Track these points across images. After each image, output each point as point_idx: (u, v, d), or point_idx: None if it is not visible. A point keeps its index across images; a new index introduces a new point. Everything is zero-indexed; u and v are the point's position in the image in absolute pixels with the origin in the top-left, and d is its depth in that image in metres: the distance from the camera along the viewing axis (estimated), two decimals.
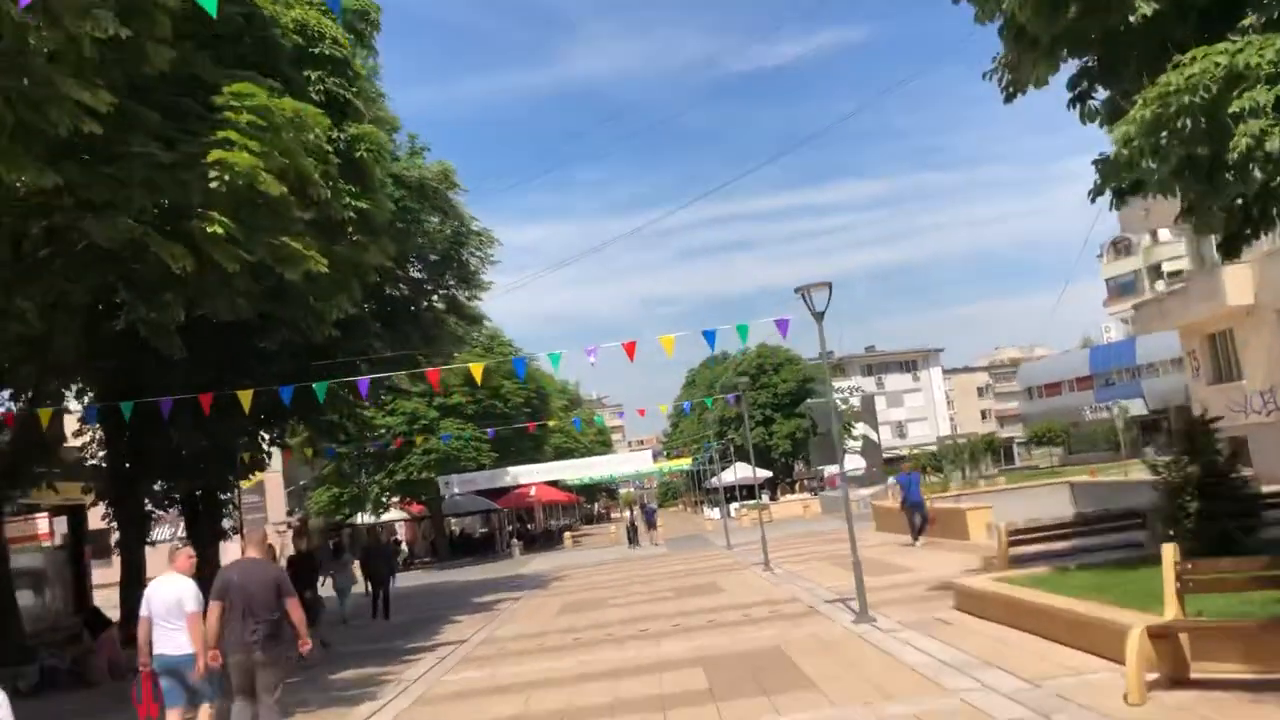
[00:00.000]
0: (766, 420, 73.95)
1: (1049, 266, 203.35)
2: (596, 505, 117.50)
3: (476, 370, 19.38)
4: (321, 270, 13.68)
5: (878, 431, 51.18)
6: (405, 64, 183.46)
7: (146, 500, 25.25)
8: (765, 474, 71.01)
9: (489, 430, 38.35)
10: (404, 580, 38.61)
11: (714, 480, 71.01)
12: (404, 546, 54.41)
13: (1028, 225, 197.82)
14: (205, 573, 26.88)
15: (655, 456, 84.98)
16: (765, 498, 66.60)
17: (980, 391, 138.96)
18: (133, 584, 22.37)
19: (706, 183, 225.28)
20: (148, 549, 23.06)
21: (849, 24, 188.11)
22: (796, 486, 76.37)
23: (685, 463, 65.42)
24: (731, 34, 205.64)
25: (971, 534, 22.70)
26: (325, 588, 22.52)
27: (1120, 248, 76.99)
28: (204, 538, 27.11)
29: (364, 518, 50.13)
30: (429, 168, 22.77)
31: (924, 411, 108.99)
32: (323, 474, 46.57)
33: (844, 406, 57.71)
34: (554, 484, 57.91)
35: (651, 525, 46.76)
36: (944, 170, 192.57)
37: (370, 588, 24.66)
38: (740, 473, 68.29)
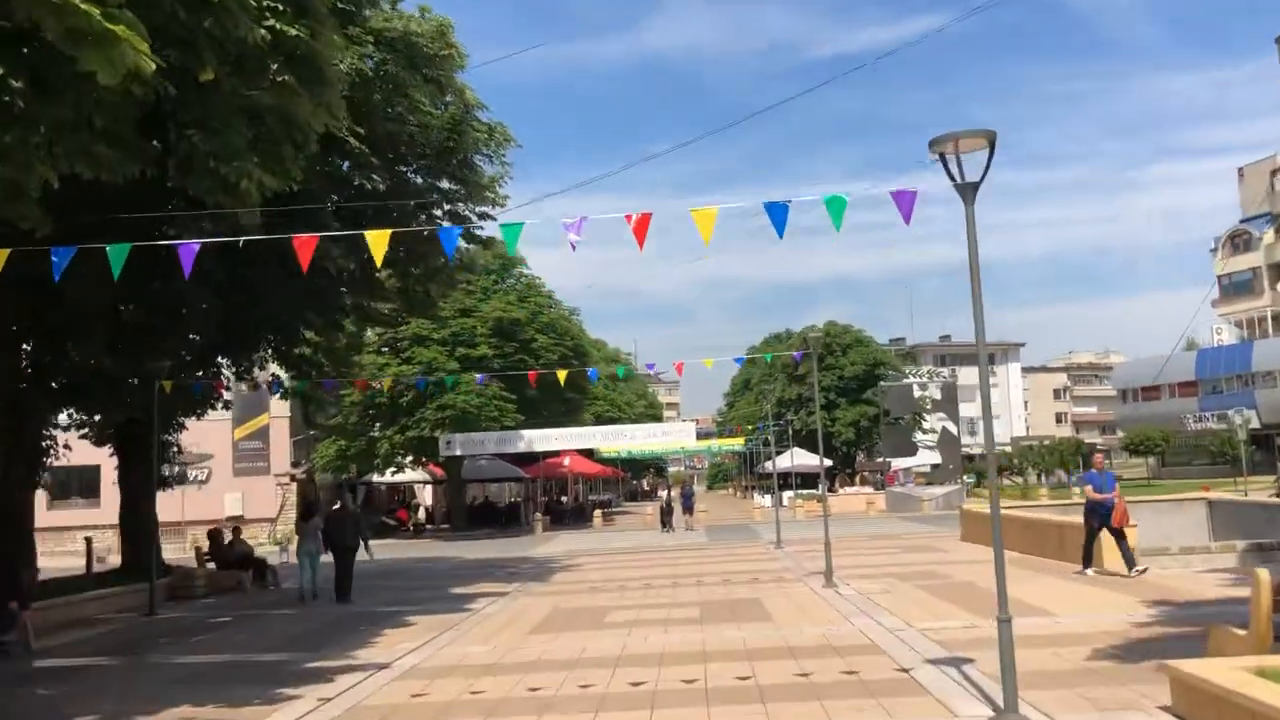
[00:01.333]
0: (829, 405, 67.86)
1: (1120, 273, 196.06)
2: (644, 482, 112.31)
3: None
4: (146, 65, 8.33)
5: (958, 424, 45.08)
6: (477, 26, 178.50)
7: (50, 432, 20.37)
8: (825, 462, 65.10)
9: (478, 377, 32.78)
10: (404, 550, 33.80)
11: (768, 464, 65.33)
12: (422, 511, 49.63)
13: (1101, 230, 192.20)
14: (132, 525, 21.97)
15: (702, 435, 79.64)
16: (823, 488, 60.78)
17: (1057, 394, 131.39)
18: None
19: (778, 166, 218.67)
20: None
21: (934, 12, 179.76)
22: (857, 479, 70.27)
23: (736, 443, 59.70)
24: (814, 17, 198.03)
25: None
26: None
27: (1238, 243, 69.42)
28: (135, 484, 22.31)
29: (378, 476, 45.38)
30: (418, 20, 17.30)
31: (998, 409, 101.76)
32: (329, 424, 41.75)
33: (920, 394, 51.43)
34: (589, 455, 52.66)
35: (689, 509, 41.33)
36: (1019, 169, 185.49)
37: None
38: (798, 459, 62.52)
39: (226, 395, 23.87)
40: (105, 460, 44.45)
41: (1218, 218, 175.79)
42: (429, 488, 54.00)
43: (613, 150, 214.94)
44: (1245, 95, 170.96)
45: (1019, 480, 68.63)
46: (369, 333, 39.09)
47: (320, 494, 45.68)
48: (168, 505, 42.05)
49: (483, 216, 21.90)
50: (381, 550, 35.58)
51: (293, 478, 43.65)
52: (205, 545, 22.22)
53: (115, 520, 44.45)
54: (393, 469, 42.99)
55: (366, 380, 32.01)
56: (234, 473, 43.25)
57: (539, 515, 41.76)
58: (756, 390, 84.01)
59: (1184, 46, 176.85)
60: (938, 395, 49.46)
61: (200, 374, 22.29)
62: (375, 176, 17.68)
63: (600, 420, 57.87)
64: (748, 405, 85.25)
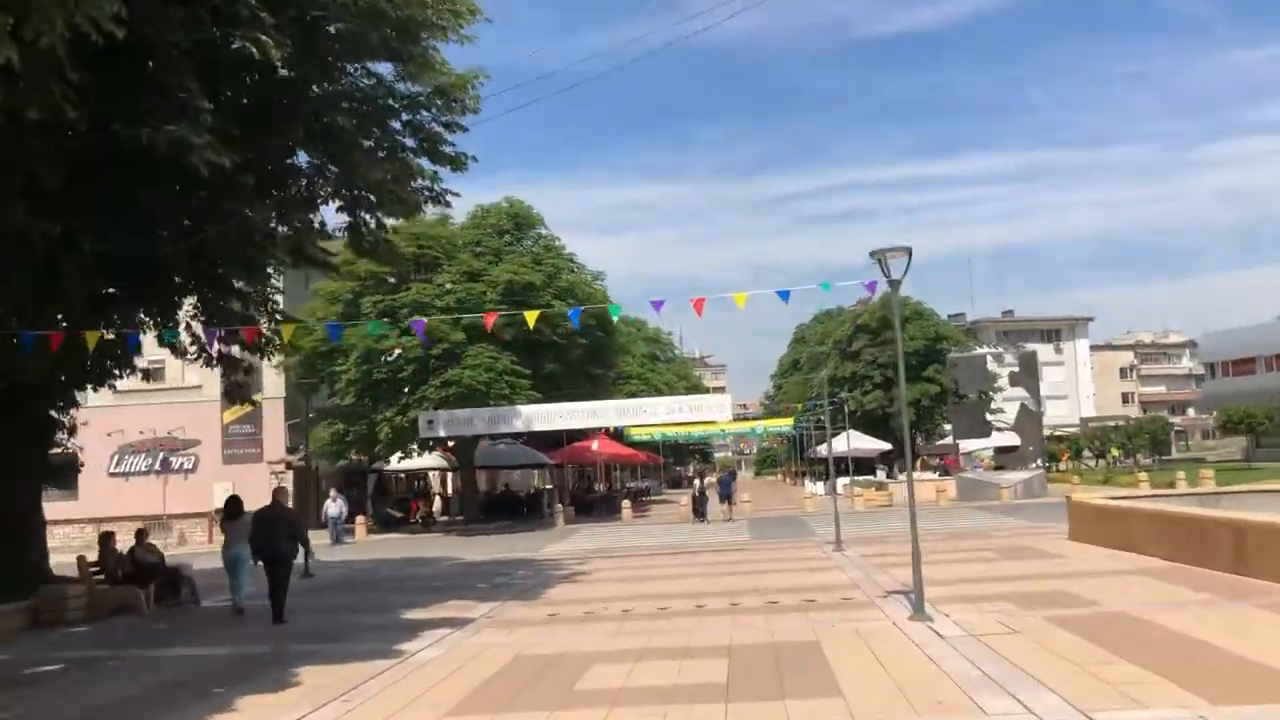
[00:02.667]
0: (886, 383, 62.34)
1: (1178, 253, 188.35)
2: (689, 467, 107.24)
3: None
4: None
5: (1039, 399, 39.47)
6: (525, 14, 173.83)
7: None
8: (882, 445, 59.60)
9: (417, 324, 27.19)
10: (397, 548, 29.04)
11: (820, 449, 59.93)
12: (437, 501, 45.00)
13: (1158, 210, 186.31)
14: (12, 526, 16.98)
15: (748, 418, 74.18)
16: (881, 474, 55.30)
17: (1123, 373, 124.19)
18: None
19: (826, 148, 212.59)
20: None
21: None
22: (917, 464, 64.73)
23: (784, 423, 54.24)
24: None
25: None
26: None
27: None
28: (15, 474, 17.61)
29: (392, 462, 40.81)
30: None
31: (1065, 388, 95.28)
32: (324, 405, 37.21)
33: (993, 367, 45.59)
34: (618, 437, 47.67)
35: (728, 498, 36.25)
36: (1073, 148, 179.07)
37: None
38: (854, 442, 57.08)
39: (140, 361, 19.10)
40: (85, 447, 40.61)
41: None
42: (450, 476, 49.42)
43: (659, 131, 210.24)
44: None
45: (1095, 464, 62.74)
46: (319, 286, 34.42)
47: (323, 483, 41.29)
48: (147, 497, 37.94)
49: (450, 127, 16.94)
50: (377, 548, 31.14)
51: (289, 465, 39.23)
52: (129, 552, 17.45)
53: (99, 513, 40.91)
54: (401, 454, 38.38)
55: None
56: (223, 460, 38.96)
57: (560, 506, 36.89)
58: (806, 369, 78.62)
59: (1243, 21, 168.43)
60: (1013, 368, 43.63)
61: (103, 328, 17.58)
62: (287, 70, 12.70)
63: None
64: (796, 386, 79.67)
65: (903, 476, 48.17)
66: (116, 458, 38.92)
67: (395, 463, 42.98)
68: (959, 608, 12.08)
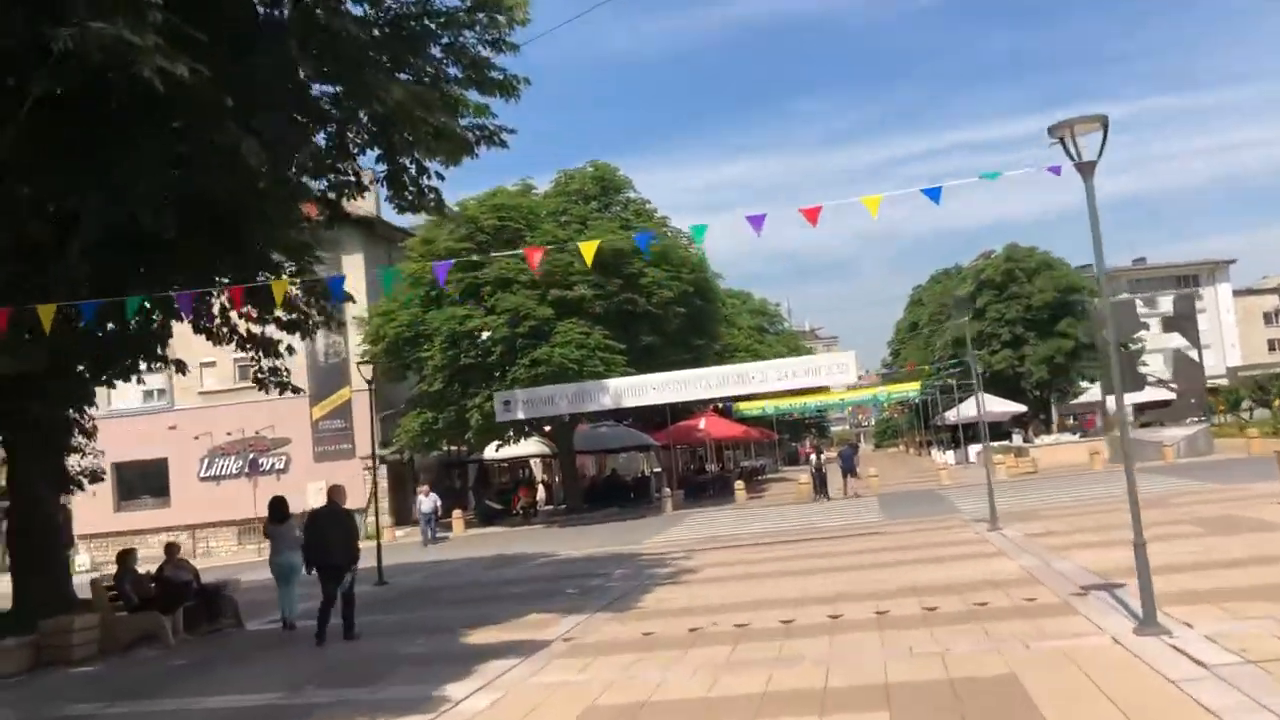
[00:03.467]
0: (1015, 341, 57.67)
1: None
2: (806, 443, 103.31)
3: None
4: None
5: (1199, 346, 35.01)
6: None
7: None
8: (1015, 407, 55.03)
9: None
10: (492, 544, 26.48)
11: (948, 414, 55.70)
12: (540, 488, 42.57)
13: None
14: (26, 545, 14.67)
15: (865, 380, 70.00)
16: (1018, 439, 50.78)
17: (1268, 318, 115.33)
18: None
19: (933, 110, 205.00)
20: None
21: None
22: (1052, 425, 59.79)
23: (910, 388, 50.07)
24: None
25: None
26: None
27: None
28: (33, 485, 15.37)
29: (491, 452, 38.44)
30: None
31: (1208, 337, 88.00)
32: (412, 395, 35.03)
33: (1144, 311, 40.81)
34: (727, 414, 44.54)
35: (851, 472, 32.93)
36: (1194, 91, 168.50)
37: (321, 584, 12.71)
38: (988, 405, 52.65)
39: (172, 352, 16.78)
40: (174, 450, 39.38)
41: None
42: (554, 463, 47.01)
43: (757, 106, 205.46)
44: None
45: (1251, 415, 56.93)
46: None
47: (421, 477, 39.26)
48: (237, 501, 36.44)
49: (497, 46, 14.08)
50: (471, 545, 28.75)
51: (382, 460, 37.17)
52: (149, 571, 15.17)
53: (193, 519, 39.59)
54: (498, 442, 35.96)
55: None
56: (314, 458, 37.13)
57: (668, 490, 33.99)
58: (927, 331, 74.07)
59: None
60: (1162, 313, 38.95)
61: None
62: None
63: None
64: (916, 351, 75.08)
65: (1041, 440, 43.86)
66: (206, 461, 37.54)
67: (494, 451, 40.75)
68: (1199, 612, 8.69)
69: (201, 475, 37.38)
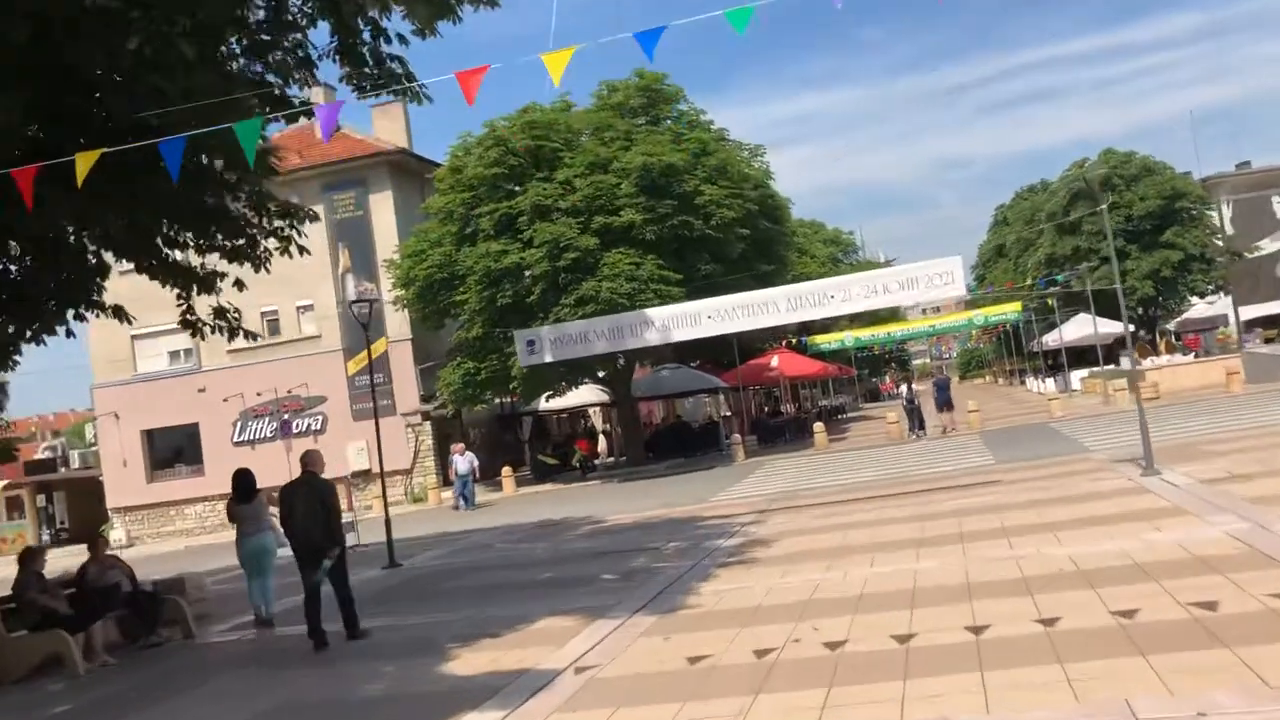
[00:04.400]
0: (1120, 256, 52.35)
1: None
2: (888, 378, 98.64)
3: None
4: None
5: None
6: None
7: None
8: (1115, 327, 50.04)
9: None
10: (544, 504, 23.18)
11: (1048, 338, 50.92)
12: (601, 439, 39.33)
13: None
14: None
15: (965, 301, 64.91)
16: (1126, 361, 45.79)
17: None
18: None
19: (994, 33, 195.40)
20: None
21: None
22: (1160, 345, 54.47)
23: (1011, 309, 45.19)
24: None
25: None
26: None
27: None
28: None
29: (544, 403, 35.20)
30: None
31: None
32: (451, 343, 31.82)
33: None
34: (802, 350, 40.65)
35: (946, 405, 29.14)
36: None
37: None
38: (1089, 328, 47.89)
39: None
40: (204, 415, 36.79)
41: None
42: (615, 411, 43.69)
43: (817, 37, 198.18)
44: None
45: None
46: None
47: (471, 434, 36.26)
48: (271, 463, 33.72)
49: None
50: (517, 507, 25.60)
51: (426, 415, 34.23)
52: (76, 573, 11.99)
53: (226, 489, 37.06)
54: (549, 393, 32.70)
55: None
56: (353, 416, 34.19)
57: (738, 436, 30.40)
58: (1015, 252, 68.70)
59: None
60: None
61: None
62: None
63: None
64: (1004, 274, 69.69)
65: (1153, 361, 39.16)
66: (239, 424, 34.89)
67: (545, 402, 37.60)
68: None
69: (235, 440, 34.75)
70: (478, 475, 27.75)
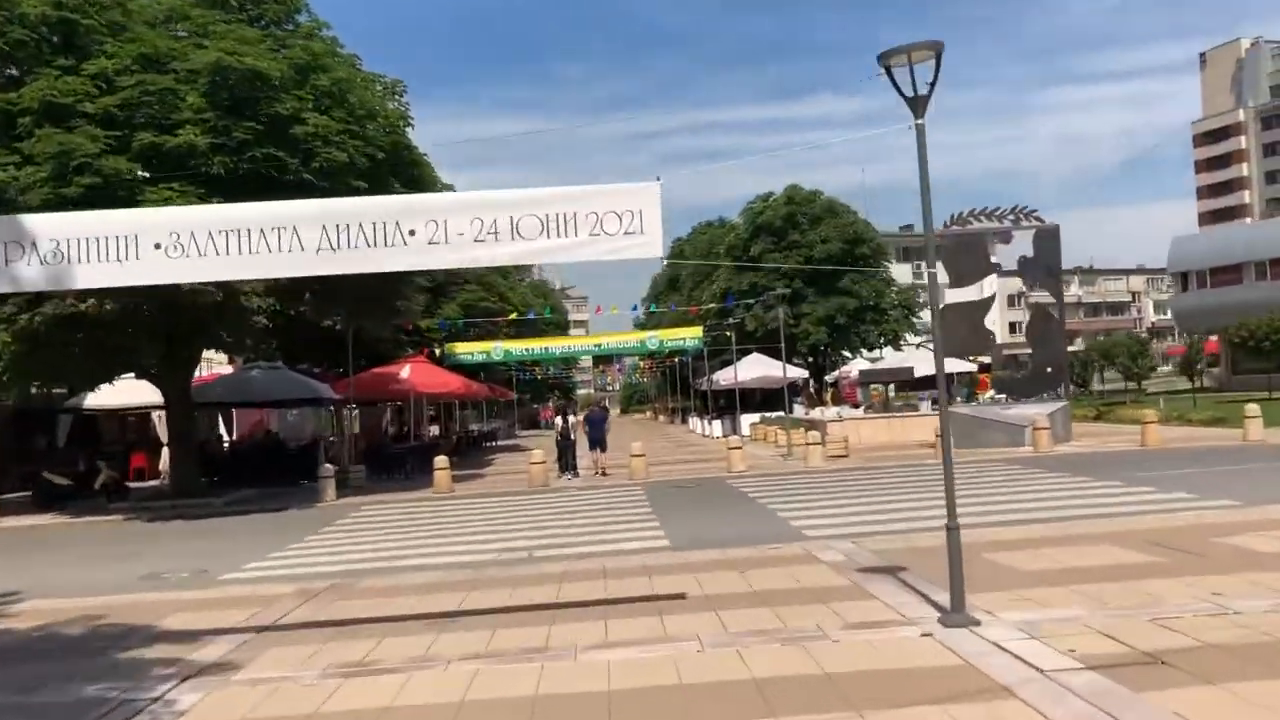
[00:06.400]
0: (795, 297, 49.13)
1: (1023, 196, 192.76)
2: (549, 404, 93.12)
3: None
4: None
5: (1060, 299, 27.45)
6: None
7: None
8: (797, 373, 46.85)
9: None
10: None
11: (720, 375, 46.60)
12: (165, 453, 29.66)
13: (999, 154, 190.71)
14: None
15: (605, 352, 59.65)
16: (799, 409, 42.19)
17: (1011, 300, 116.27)
18: None
19: (689, 88, 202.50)
20: None
21: None
22: (828, 395, 51.90)
23: (691, 333, 39.87)
24: None
25: None
26: None
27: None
28: None
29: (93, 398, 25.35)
30: None
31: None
32: None
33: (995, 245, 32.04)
34: (439, 361, 33.35)
35: (598, 443, 23.26)
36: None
37: None
38: (759, 369, 43.93)
39: None
40: None
41: (1122, 139, 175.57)
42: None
43: (515, 69, 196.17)
44: (1143, 21, 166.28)
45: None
46: None
47: None
48: None
49: None
50: None
51: None
52: None
53: None
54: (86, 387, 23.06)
55: None
56: None
57: (329, 467, 22.36)
58: (688, 286, 64.75)
59: None
60: (1010, 249, 30.59)
61: None
62: None
63: (472, 314, 38.20)
64: (679, 311, 65.53)
65: (827, 412, 35.19)
66: None
67: (95, 398, 27.86)
68: None
69: None
70: None
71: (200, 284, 15.61)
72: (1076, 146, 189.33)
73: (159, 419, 31.28)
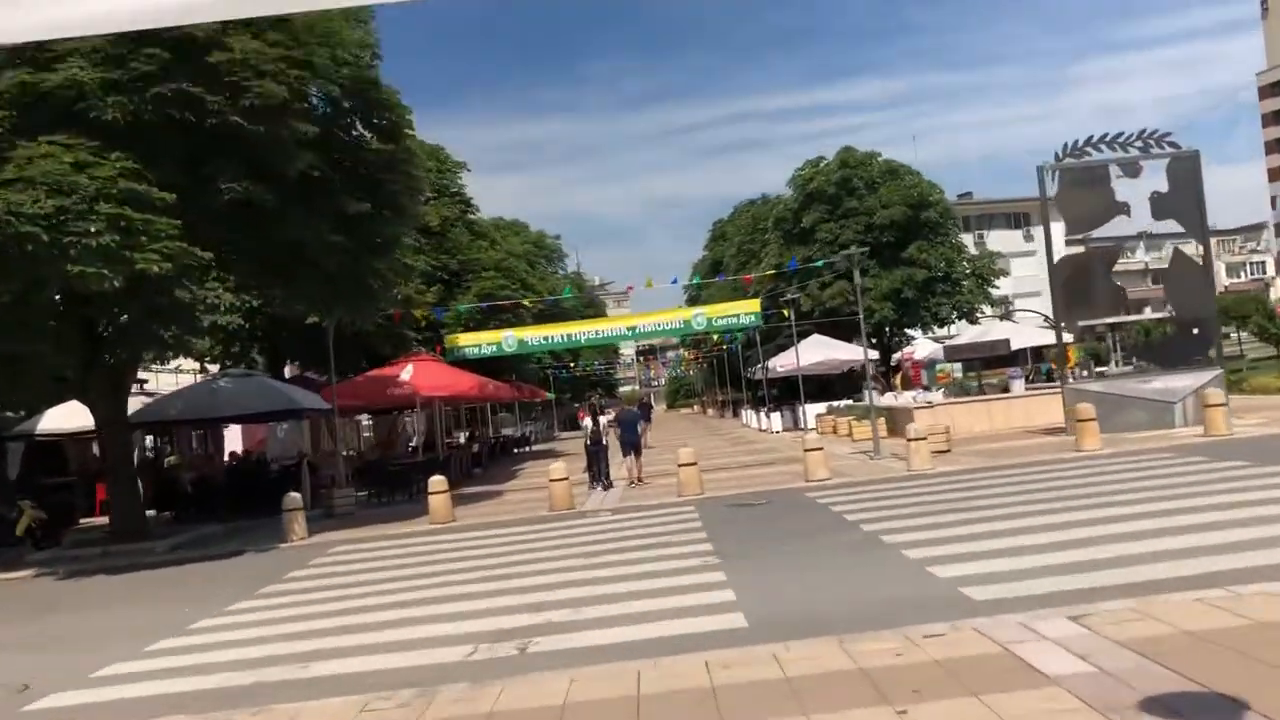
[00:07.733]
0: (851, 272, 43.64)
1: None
2: (591, 402, 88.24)
3: None
4: None
5: (1205, 235, 22.13)
6: None
7: None
8: (853, 353, 41.56)
9: None
10: None
11: (776, 361, 41.50)
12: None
13: (1038, 130, 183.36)
14: None
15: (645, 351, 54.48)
16: (870, 394, 36.93)
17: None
18: None
19: (719, 79, 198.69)
20: None
21: None
22: (896, 378, 46.47)
23: (748, 307, 34.18)
24: None
25: None
26: None
27: None
28: None
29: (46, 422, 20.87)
30: None
31: (1037, 283, 78.80)
32: None
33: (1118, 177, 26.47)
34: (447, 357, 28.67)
35: (633, 447, 18.54)
36: (957, 70, 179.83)
37: None
38: (822, 352, 38.91)
39: None
40: None
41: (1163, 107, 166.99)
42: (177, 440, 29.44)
43: (546, 67, 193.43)
44: None
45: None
46: None
47: None
48: None
49: None
50: None
51: None
52: None
53: None
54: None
55: None
56: None
57: (295, 497, 17.65)
58: (733, 267, 59.52)
59: None
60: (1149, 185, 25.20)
61: None
62: None
63: (488, 299, 33.47)
64: (721, 292, 60.32)
65: (896, 396, 29.96)
66: None
67: (51, 420, 23.58)
68: None
69: None
70: None
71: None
72: (1116, 117, 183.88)
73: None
